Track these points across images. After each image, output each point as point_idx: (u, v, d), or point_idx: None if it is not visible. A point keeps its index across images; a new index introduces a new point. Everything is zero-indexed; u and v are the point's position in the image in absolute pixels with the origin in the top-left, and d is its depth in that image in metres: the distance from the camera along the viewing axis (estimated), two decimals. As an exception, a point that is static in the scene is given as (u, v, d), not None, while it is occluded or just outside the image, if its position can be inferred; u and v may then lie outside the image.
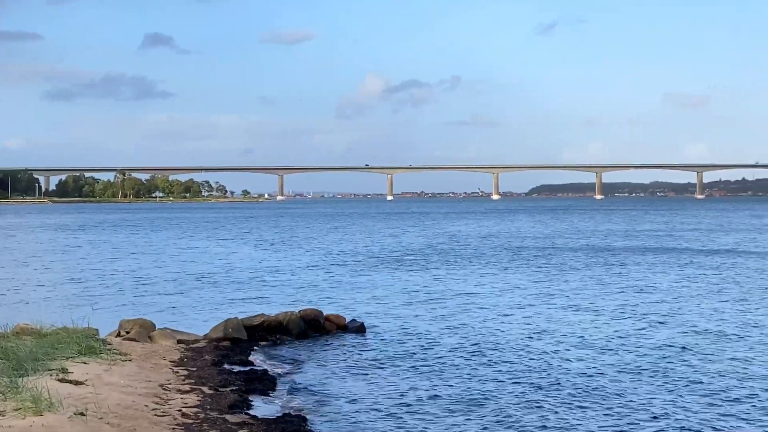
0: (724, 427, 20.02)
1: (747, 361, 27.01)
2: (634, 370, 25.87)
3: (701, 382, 24.12)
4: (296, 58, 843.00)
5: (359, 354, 28.98)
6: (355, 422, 20.67)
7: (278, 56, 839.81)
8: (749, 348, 29.18)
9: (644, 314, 37.22)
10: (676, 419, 20.55)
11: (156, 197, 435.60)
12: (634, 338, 31.28)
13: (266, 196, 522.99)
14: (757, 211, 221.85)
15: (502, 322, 35.44)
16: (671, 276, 53.79)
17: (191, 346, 28.70)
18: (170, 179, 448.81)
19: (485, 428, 20.13)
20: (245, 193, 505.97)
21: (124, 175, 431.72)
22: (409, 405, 22.06)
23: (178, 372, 24.02)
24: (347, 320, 34.01)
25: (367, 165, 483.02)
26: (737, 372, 25.44)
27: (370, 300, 43.25)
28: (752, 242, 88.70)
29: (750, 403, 22.00)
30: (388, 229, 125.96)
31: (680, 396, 22.64)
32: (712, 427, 19.95)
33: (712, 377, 24.76)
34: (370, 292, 46.39)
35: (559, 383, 24.22)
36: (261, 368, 26.05)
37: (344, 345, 30.67)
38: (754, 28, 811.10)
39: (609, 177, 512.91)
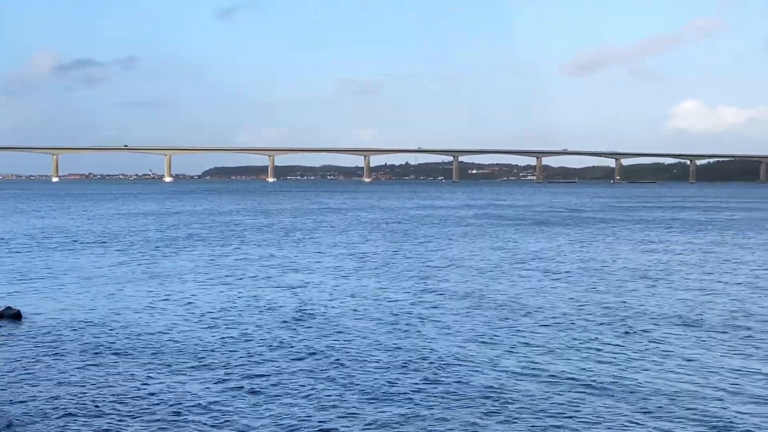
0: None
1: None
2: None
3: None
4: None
5: (13, 344, 27.70)
6: (5, 419, 19.81)
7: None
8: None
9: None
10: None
11: None
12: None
13: None
14: (407, 192, 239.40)
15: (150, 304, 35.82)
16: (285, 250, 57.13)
17: None
18: None
19: (151, 412, 20.40)
20: None
21: None
22: (68, 396, 21.57)
23: None
24: (1, 308, 32.43)
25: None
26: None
27: (26, 286, 41.28)
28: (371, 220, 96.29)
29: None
30: (50, 211, 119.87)
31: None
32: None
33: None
34: (27, 278, 44.26)
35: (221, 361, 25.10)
36: None
37: (-3, 334, 29.24)
38: (422, 21, 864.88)
39: (282, 160, 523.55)
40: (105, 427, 18.98)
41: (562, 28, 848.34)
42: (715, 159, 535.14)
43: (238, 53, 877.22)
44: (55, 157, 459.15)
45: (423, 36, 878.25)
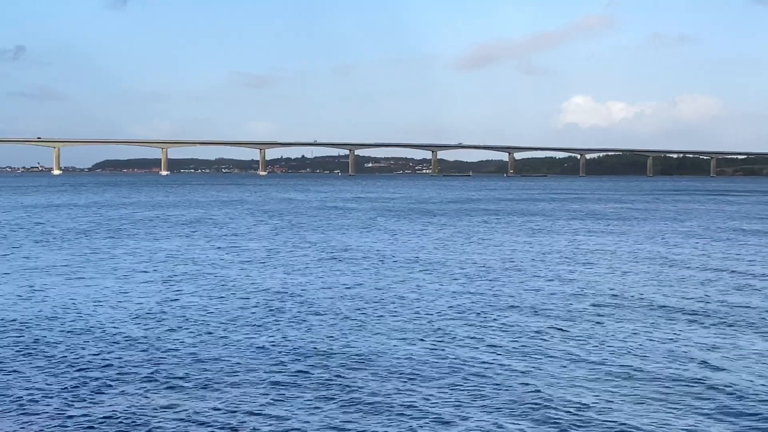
0: None
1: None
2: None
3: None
4: None
5: None
6: None
7: None
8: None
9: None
10: None
11: None
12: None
13: None
14: (287, 186, 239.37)
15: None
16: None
17: None
18: None
19: None
20: None
21: None
22: None
23: None
24: None
25: None
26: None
27: None
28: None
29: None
30: None
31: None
32: None
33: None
34: None
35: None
36: None
37: None
38: (317, 14, 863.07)
39: (175, 153, 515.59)
40: None
41: (454, 21, 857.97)
42: (605, 153, 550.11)
43: (130, 44, 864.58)
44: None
45: (318, 29, 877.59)
